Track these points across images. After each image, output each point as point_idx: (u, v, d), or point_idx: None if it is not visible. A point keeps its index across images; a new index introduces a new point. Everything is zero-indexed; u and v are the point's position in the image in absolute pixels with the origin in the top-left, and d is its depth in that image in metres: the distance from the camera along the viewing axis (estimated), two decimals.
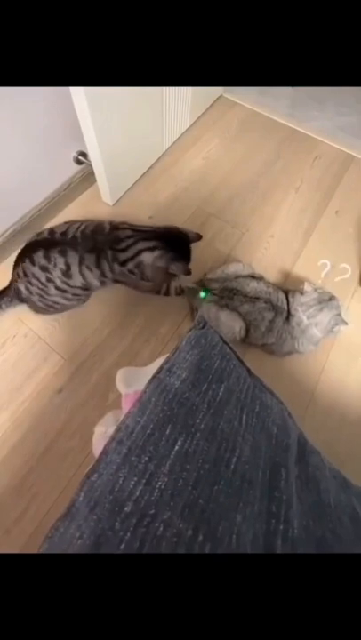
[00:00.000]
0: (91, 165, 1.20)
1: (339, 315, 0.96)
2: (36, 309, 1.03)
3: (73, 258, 0.88)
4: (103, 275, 0.92)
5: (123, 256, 0.90)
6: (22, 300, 1.00)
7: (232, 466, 0.42)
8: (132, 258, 0.90)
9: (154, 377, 0.51)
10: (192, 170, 1.42)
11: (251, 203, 1.35)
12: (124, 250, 0.90)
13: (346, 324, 0.94)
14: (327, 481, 0.50)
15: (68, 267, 0.89)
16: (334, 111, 1.57)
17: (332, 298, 0.98)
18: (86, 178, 1.31)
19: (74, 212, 1.30)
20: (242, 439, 0.45)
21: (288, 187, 1.38)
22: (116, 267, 0.91)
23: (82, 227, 0.92)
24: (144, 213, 1.30)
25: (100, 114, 0.99)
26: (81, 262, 0.89)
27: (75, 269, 0.89)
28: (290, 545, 0.38)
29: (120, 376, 0.71)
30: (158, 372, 0.52)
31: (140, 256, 0.90)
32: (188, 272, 0.93)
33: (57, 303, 0.98)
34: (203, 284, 1.06)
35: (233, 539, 0.35)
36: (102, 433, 0.68)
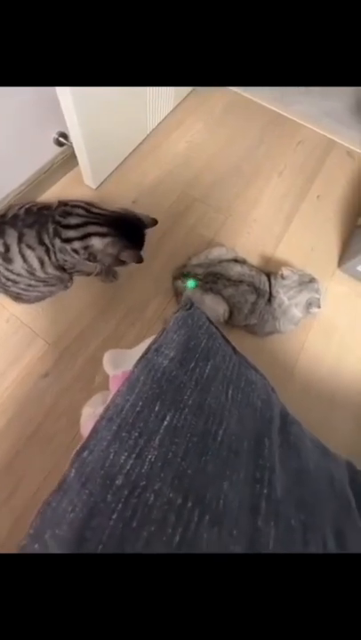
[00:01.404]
0: (72, 147, 1.17)
1: (318, 296, 0.99)
2: (12, 299, 1.01)
3: (11, 236, 0.83)
4: (47, 251, 0.86)
5: (68, 233, 0.85)
6: None
7: (219, 438, 0.44)
8: (79, 238, 0.86)
9: (142, 357, 0.52)
10: (176, 153, 1.41)
11: (234, 187, 1.35)
12: (70, 227, 0.85)
13: (319, 307, 0.97)
14: (307, 448, 0.53)
15: (7, 248, 0.84)
16: (319, 96, 1.57)
17: (312, 280, 1.01)
18: (67, 160, 1.28)
19: (55, 195, 1.27)
20: (228, 413, 0.47)
21: (271, 171, 1.39)
22: (58, 242, 0.85)
23: (28, 205, 0.87)
24: (127, 197, 1.29)
25: (82, 94, 0.96)
26: (20, 239, 0.83)
27: (14, 250, 0.84)
28: (274, 506, 0.40)
29: (107, 358, 0.71)
30: (146, 352, 0.53)
31: (90, 239, 0.86)
32: (139, 260, 0.90)
33: (19, 294, 0.96)
34: (187, 270, 1.07)
35: (220, 503, 0.38)
36: (90, 413, 0.69)
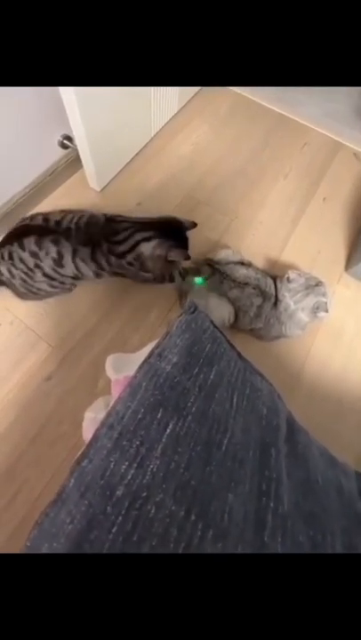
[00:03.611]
0: (76, 150, 1.17)
1: (325, 300, 0.97)
2: (18, 293, 1.00)
3: (66, 249, 0.88)
4: (100, 268, 0.92)
5: (120, 248, 0.90)
6: (2, 283, 0.98)
7: (223, 447, 0.42)
8: (130, 250, 0.91)
9: (144, 362, 0.51)
10: (181, 156, 1.40)
11: (239, 189, 1.34)
12: (120, 242, 0.91)
13: (327, 311, 0.95)
14: (315, 458, 0.51)
15: (61, 256, 0.88)
16: (324, 97, 1.56)
17: (318, 283, 0.99)
18: (72, 163, 1.28)
19: (60, 198, 1.27)
20: (233, 421, 0.45)
21: (277, 173, 1.38)
22: (114, 259, 0.91)
23: (76, 218, 0.91)
24: (132, 200, 1.28)
25: (87, 97, 0.95)
26: (75, 254, 0.89)
27: (67, 259, 0.89)
28: (280, 520, 0.39)
29: (109, 362, 0.70)
30: (149, 356, 0.51)
31: (139, 247, 0.91)
32: (187, 257, 0.93)
33: (40, 290, 0.97)
34: (198, 267, 1.06)
35: (225, 517, 0.36)
36: (92, 418, 0.68)
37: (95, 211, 0.96)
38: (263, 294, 0.99)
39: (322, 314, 0.96)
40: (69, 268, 0.91)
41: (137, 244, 0.91)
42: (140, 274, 0.97)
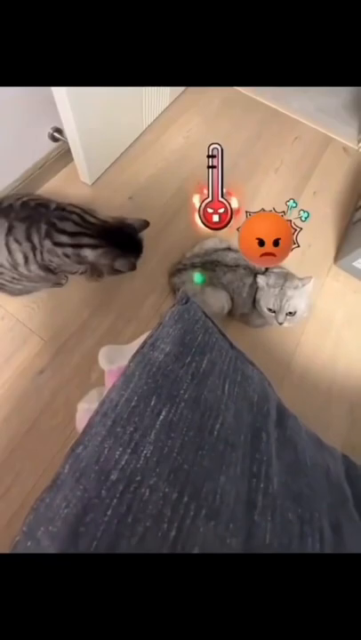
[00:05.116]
0: (67, 143, 1.16)
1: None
2: (3, 291, 1.00)
3: (1, 227, 0.83)
4: (33, 249, 0.86)
5: (61, 238, 0.86)
6: None
7: (215, 432, 0.43)
8: (72, 246, 0.87)
9: (138, 352, 0.51)
10: (173, 149, 1.40)
11: (231, 183, 1.34)
12: (65, 232, 0.86)
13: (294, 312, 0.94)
14: (304, 442, 0.53)
15: None
16: (316, 93, 1.57)
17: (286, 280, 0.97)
18: (62, 156, 1.26)
19: (50, 191, 1.26)
20: (225, 407, 0.46)
21: (268, 167, 1.39)
22: (47, 243, 0.86)
23: (26, 198, 0.88)
24: (124, 193, 1.28)
25: (77, 89, 0.95)
26: (9, 231, 0.83)
27: (0, 241, 0.83)
28: (270, 499, 0.40)
29: (102, 353, 0.71)
30: (142, 346, 0.52)
31: (83, 251, 0.88)
32: (132, 268, 0.92)
33: (3, 284, 0.95)
34: (184, 264, 1.06)
35: (217, 497, 0.37)
36: (86, 409, 0.68)
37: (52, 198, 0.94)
38: (253, 273, 1.00)
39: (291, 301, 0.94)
40: (2, 253, 0.85)
41: (81, 246, 0.88)
42: (70, 264, 0.93)
